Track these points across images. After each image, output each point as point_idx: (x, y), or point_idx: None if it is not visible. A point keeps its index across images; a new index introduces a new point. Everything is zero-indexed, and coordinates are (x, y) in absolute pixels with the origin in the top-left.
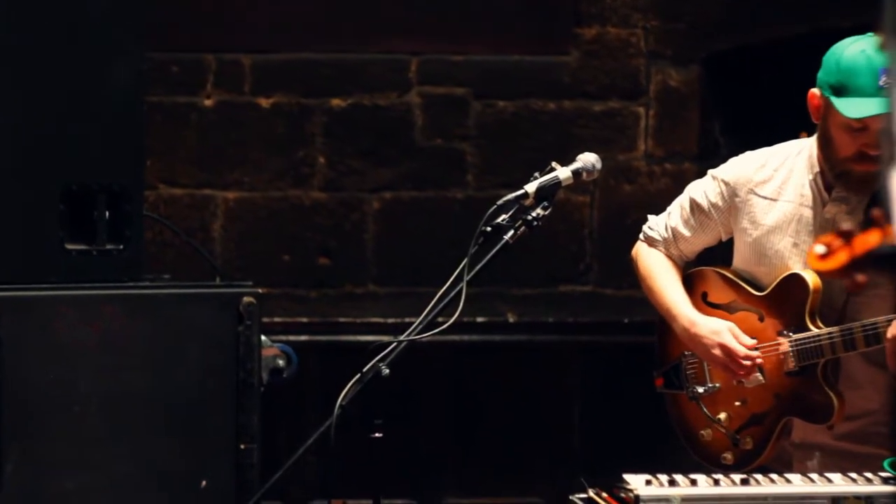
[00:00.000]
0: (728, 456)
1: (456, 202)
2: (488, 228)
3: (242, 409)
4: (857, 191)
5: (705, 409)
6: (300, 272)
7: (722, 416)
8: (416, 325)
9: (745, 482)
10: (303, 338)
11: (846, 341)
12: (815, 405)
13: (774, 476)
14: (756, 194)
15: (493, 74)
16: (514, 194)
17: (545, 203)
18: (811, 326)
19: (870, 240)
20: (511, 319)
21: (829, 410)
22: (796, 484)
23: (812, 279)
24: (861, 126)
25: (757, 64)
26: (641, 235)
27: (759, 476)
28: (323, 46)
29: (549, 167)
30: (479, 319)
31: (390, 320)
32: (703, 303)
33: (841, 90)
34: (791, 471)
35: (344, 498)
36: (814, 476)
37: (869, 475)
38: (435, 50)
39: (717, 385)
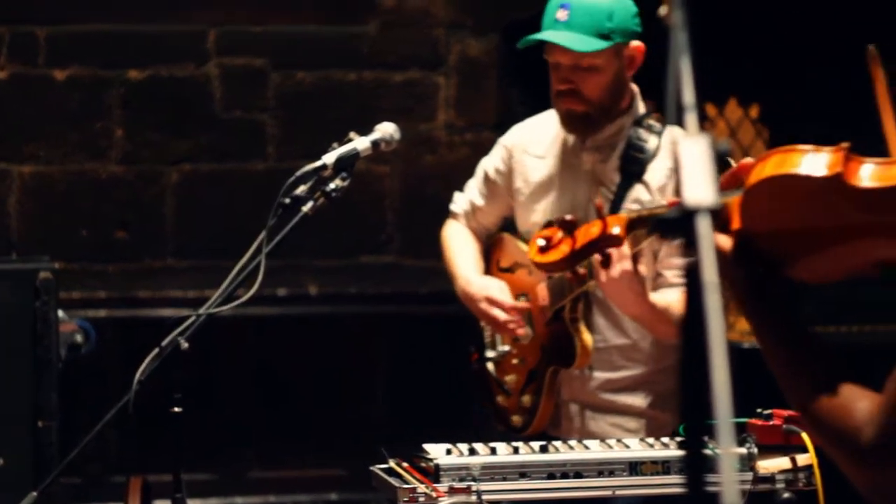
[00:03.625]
0: (516, 418)
1: (256, 174)
2: (287, 200)
3: (40, 386)
4: (574, 131)
5: (495, 374)
6: (98, 247)
7: (509, 378)
8: (214, 298)
9: (543, 449)
10: (102, 313)
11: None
12: (566, 348)
13: (573, 442)
14: (528, 154)
15: (292, 45)
16: (312, 165)
17: (344, 174)
18: None
19: (591, 231)
20: (313, 291)
21: (573, 349)
22: (594, 450)
23: None
24: (555, 62)
25: None
26: (449, 214)
27: (557, 443)
28: (119, 17)
29: (348, 138)
30: (281, 292)
31: (190, 294)
32: (498, 270)
33: (539, 29)
34: (559, 430)
35: (144, 473)
36: (611, 442)
37: (666, 440)
38: (233, 20)
39: (507, 348)
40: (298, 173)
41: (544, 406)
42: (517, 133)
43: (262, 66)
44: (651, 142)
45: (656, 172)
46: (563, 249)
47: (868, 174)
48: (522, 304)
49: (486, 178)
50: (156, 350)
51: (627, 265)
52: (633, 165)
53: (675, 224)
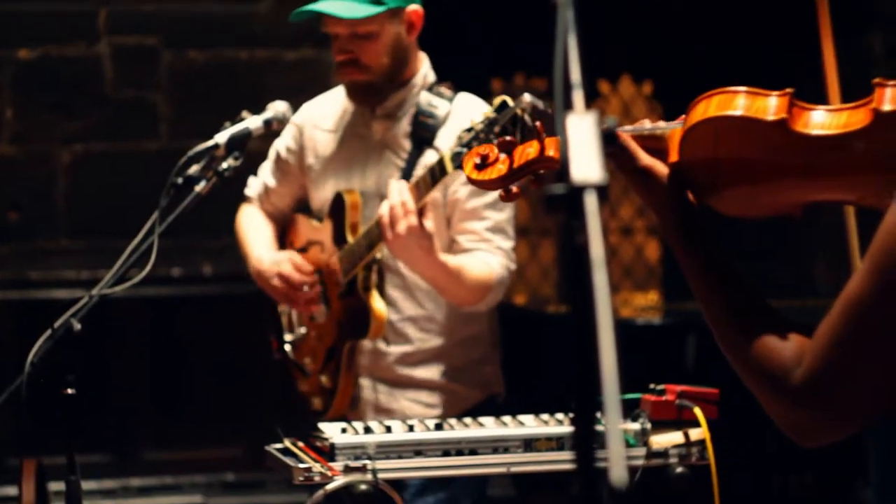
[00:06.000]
0: (316, 401)
1: (148, 154)
2: (179, 180)
3: None
4: (359, 101)
5: (294, 358)
6: None
7: (307, 360)
8: (107, 279)
9: (438, 427)
10: None
11: (371, 240)
12: (360, 320)
13: (468, 420)
14: (318, 129)
15: (184, 24)
16: (204, 145)
17: (236, 153)
18: (350, 238)
19: (529, 152)
20: (207, 271)
21: (367, 319)
22: (490, 427)
23: (348, 195)
24: (333, 34)
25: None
26: (244, 199)
27: (452, 421)
28: None
29: (240, 117)
30: (175, 272)
31: (83, 275)
32: (292, 251)
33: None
34: (357, 411)
35: (38, 455)
36: (506, 419)
37: (560, 417)
38: None
39: (304, 330)
40: (191, 153)
41: (343, 385)
42: (307, 110)
43: (153, 44)
44: (441, 108)
45: (447, 138)
46: (500, 168)
47: (811, 121)
48: (311, 270)
49: (279, 159)
50: (48, 331)
51: (413, 220)
52: (424, 132)
53: (562, 201)
